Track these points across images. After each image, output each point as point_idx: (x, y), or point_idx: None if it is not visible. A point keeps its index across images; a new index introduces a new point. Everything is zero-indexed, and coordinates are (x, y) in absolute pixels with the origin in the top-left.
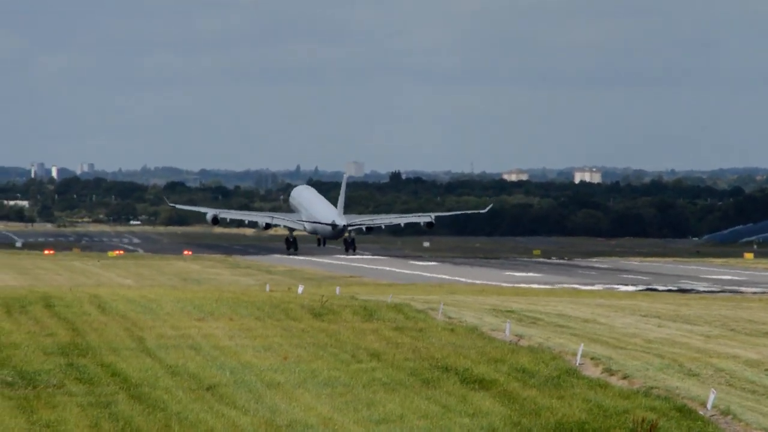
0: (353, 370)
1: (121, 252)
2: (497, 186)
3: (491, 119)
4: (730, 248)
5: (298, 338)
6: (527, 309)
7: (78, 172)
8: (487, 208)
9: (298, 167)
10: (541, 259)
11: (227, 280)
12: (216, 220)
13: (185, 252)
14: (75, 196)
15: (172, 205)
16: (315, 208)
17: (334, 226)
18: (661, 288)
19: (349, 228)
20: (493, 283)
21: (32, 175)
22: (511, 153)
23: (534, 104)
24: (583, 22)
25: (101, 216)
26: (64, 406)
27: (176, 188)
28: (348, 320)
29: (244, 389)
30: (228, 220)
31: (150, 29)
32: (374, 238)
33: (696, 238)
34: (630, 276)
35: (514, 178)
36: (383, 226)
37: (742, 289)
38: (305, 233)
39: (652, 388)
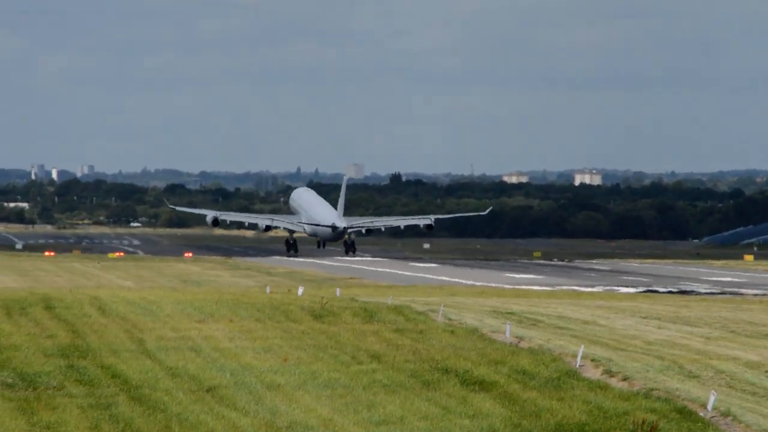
0: (353, 371)
1: (122, 254)
2: (497, 188)
3: (491, 121)
4: (730, 250)
5: (299, 340)
6: (527, 311)
7: (78, 174)
8: (487, 211)
9: (299, 169)
10: (542, 261)
11: (227, 281)
12: (216, 222)
13: (185, 254)
14: (75, 197)
15: (172, 207)
16: (315, 210)
17: (334, 228)
18: (661, 290)
19: (349, 230)
20: (494, 284)
21: (32, 177)
22: (511, 155)
23: (534, 106)
24: (583, 24)
25: (101, 218)
26: (65, 408)
27: (176, 190)
28: (348, 322)
29: (245, 391)
30: (228, 222)
31: (150, 31)
32: (374, 239)
33: (696, 240)
34: (630, 278)
35: (514, 180)
36: (383, 228)
37: (743, 291)
38: (305, 235)
39: (652, 389)
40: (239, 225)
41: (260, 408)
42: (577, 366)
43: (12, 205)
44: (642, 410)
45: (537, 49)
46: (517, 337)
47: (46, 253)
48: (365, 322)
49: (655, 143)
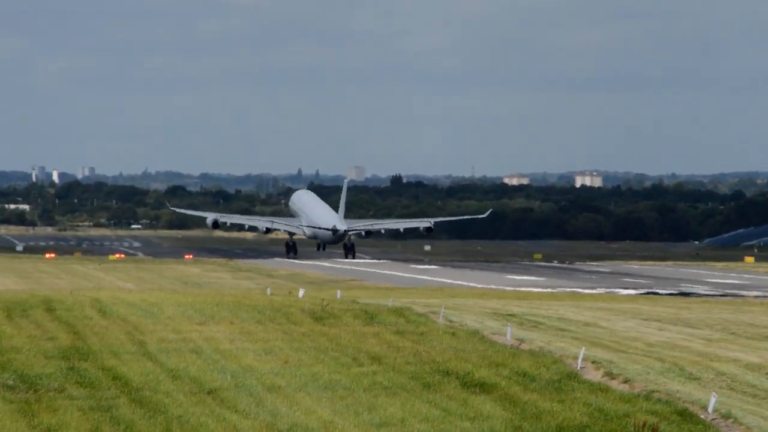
0: (354, 373)
1: (122, 256)
2: (498, 190)
3: (492, 123)
4: (730, 252)
5: (299, 342)
6: (528, 313)
7: (79, 176)
8: (486, 213)
9: (299, 171)
10: (542, 263)
11: (228, 283)
12: (216, 225)
13: (186, 256)
14: (76, 200)
15: (173, 209)
16: (315, 212)
17: (334, 231)
18: (662, 291)
19: (349, 233)
20: (494, 286)
21: (33, 179)
22: (512, 157)
23: (535, 108)
24: (584, 25)
25: (102, 220)
26: (65, 410)
27: (177, 192)
28: (349, 324)
29: (245, 393)
30: (228, 224)
31: (151, 32)
32: (375, 241)
33: (697, 242)
34: (631, 280)
35: (515, 182)
36: (383, 231)
37: (743, 292)
38: (305, 238)
39: (653, 391)
40: (239, 227)
41: (261, 410)
42: (578, 368)
43: (13, 207)
44: (643, 412)
45: (538, 50)
46: (518, 339)
47: (47, 255)
48: (366, 324)
49: (656, 145)
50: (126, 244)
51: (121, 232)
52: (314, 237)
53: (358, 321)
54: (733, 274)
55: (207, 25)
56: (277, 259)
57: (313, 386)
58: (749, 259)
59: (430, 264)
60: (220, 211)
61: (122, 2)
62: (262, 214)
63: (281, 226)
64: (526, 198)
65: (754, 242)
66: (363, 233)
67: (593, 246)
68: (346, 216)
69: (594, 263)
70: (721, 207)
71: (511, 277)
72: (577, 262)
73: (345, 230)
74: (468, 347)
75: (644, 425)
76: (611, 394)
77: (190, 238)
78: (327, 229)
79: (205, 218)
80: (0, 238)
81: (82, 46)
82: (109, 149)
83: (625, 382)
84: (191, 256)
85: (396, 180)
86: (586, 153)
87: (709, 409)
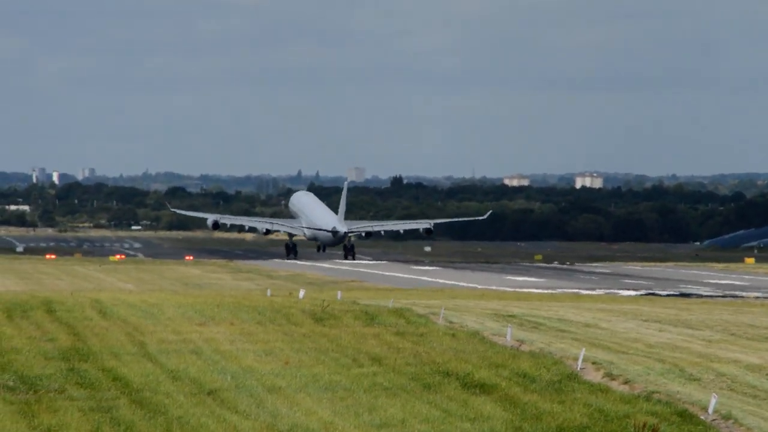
0: (354, 374)
1: (123, 257)
2: (498, 191)
3: (492, 124)
4: (731, 253)
5: (300, 343)
6: (528, 314)
7: (79, 177)
8: (486, 215)
9: (300, 172)
10: (543, 264)
11: (228, 284)
12: (216, 226)
13: (186, 257)
14: (76, 201)
15: (173, 210)
16: (315, 214)
17: (335, 232)
18: (662, 293)
19: (349, 234)
20: (495, 287)
21: (33, 180)
22: (512, 158)
23: (535, 109)
24: (584, 25)
25: (102, 221)
26: (66, 411)
27: (177, 193)
28: (349, 325)
29: (246, 394)
30: (228, 225)
31: (151, 33)
32: (375, 243)
33: (697, 243)
34: (631, 281)
35: (515, 183)
36: (383, 232)
37: (744, 293)
38: (305, 239)
39: (653, 392)
40: (240, 228)
41: (261, 411)
42: (578, 369)
43: (13, 208)
44: (643, 413)
45: (538, 50)
46: (518, 340)
47: (48, 256)
48: (366, 325)
49: (656, 146)
50: (126, 245)
51: (121, 233)
52: (314, 238)
53: (359, 322)
54: (734, 275)
55: (207, 26)
56: (277, 260)
57: (313, 387)
58: (749, 260)
59: (430, 265)
60: (220, 212)
61: (122, 2)
62: (263, 215)
63: (281, 227)
64: (526, 199)
65: (754, 243)
66: (363, 234)
67: (593, 247)
68: (346, 217)
69: (594, 264)
70: (722, 208)
71: (511, 278)
72: (578, 263)
73: (345, 232)
74: (468, 348)
75: (644, 426)
76: (611, 395)
77: (191, 239)
78: (327, 231)
79: (206, 219)
80: (0, 239)
81: (82, 47)
82: (109, 150)
83: (626, 383)
84: (191, 257)
85: (396, 181)
86: (586, 154)
87: (710, 410)
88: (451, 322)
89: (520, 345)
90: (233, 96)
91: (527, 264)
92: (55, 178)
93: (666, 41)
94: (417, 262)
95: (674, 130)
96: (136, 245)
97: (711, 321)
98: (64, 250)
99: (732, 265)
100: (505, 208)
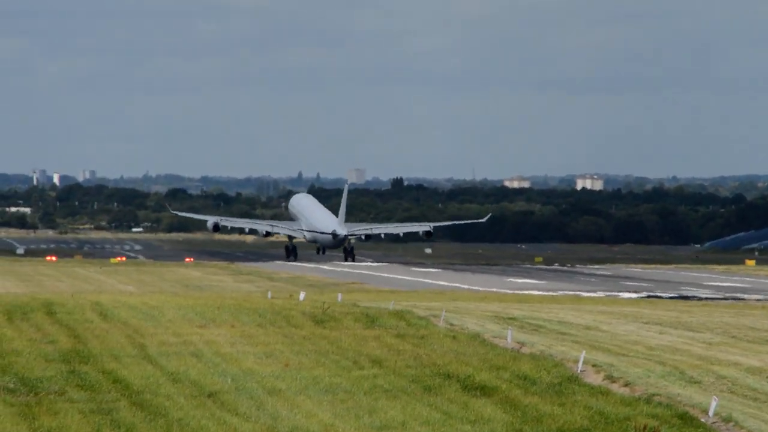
0: (355, 376)
1: (123, 258)
2: (499, 193)
3: (493, 125)
4: (731, 255)
5: (300, 345)
6: (529, 316)
7: (80, 178)
8: (486, 218)
9: (300, 174)
10: (543, 266)
11: (229, 286)
12: (216, 228)
13: (187, 259)
14: (77, 202)
15: (174, 212)
16: (315, 216)
17: (335, 235)
18: (662, 295)
19: (349, 237)
20: (495, 289)
21: (34, 182)
22: (513, 159)
23: (535, 111)
24: (585, 27)
25: (103, 223)
26: (66, 413)
27: (178, 195)
28: (350, 327)
29: (246, 396)
30: (229, 227)
31: (151, 34)
32: (376, 244)
33: (698, 245)
34: (632, 283)
35: (515, 185)
36: (382, 235)
37: (744, 296)
38: (305, 241)
39: (653, 395)
40: (240, 230)
41: (261, 413)
42: (579, 371)
43: (13, 209)
44: (643, 416)
45: (538, 52)
46: (518, 343)
47: (48, 258)
48: (367, 327)
49: (657, 148)
50: (127, 247)
51: (122, 235)
52: (314, 241)
53: (359, 324)
54: (734, 278)
55: (207, 27)
56: (277, 262)
57: (313, 389)
58: (750, 263)
59: (431, 267)
60: (220, 214)
61: (123, 4)
62: (263, 217)
63: (281, 229)
64: (526, 201)
65: (754, 245)
66: (363, 237)
67: (594, 249)
68: (347, 219)
69: (595, 266)
70: (722, 210)
71: (511, 280)
72: (578, 266)
73: (345, 234)
74: (469, 350)
75: (645, 428)
76: (612, 398)
77: (191, 241)
78: (327, 234)
79: (206, 221)
80: (0, 241)
81: (83, 48)
82: (110, 152)
83: (626, 385)
84: (192, 259)
85: (397, 183)
86: (586, 156)
87: (710, 413)
88: (451, 325)
89: (520, 347)
90: (234, 97)
91: (528, 266)
92: (56, 180)
93: (666, 43)
94: (417, 264)
95: (675, 131)
96: (137, 247)
97: (712, 323)
98: (64, 251)
99: (733, 268)
100: (505, 210)
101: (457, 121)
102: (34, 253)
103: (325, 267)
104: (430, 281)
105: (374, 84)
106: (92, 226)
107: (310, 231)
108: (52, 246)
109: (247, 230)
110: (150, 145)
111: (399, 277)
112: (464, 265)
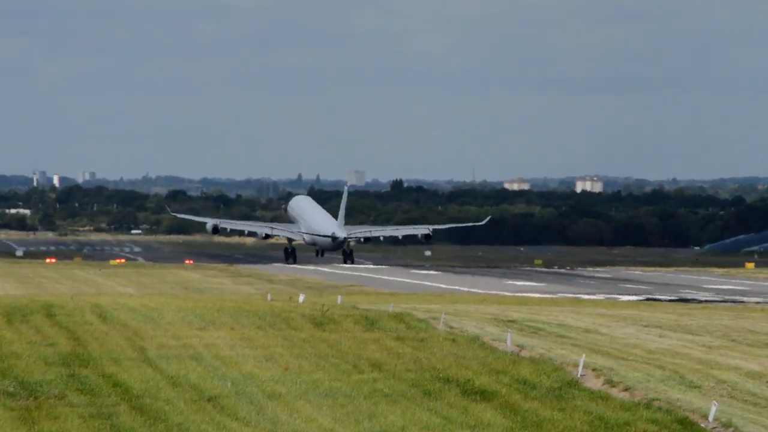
0: (354, 380)
1: (123, 261)
2: (499, 195)
3: (493, 127)
4: (731, 258)
5: (300, 348)
6: (528, 319)
7: (79, 180)
8: (485, 221)
9: (300, 176)
10: (543, 269)
11: (228, 289)
12: (216, 230)
13: (186, 261)
14: (76, 204)
15: (174, 214)
16: (314, 219)
17: (334, 238)
18: (662, 297)
19: (348, 239)
20: (495, 292)
21: (34, 184)
22: (513, 161)
23: (535, 112)
24: (584, 27)
25: (103, 224)
26: (66, 417)
27: (177, 197)
28: (349, 330)
29: (246, 400)
30: (228, 229)
31: (151, 35)
32: (375, 247)
33: (697, 248)
34: (631, 285)
35: (515, 187)
36: (381, 238)
37: (744, 298)
38: (304, 243)
39: (653, 399)
40: (240, 232)
41: (261, 418)
42: (579, 376)
43: (13, 211)
44: (643, 421)
45: (538, 53)
46: (518, 346)
47: (48, 260)
48: (366, 330)
49: (657, 150)
50: (126, 249)
51: (121, 237)
52: (313, 243)
53: (359, 327)
54: (734, 280)
55: (207, 27)
56: (277, 264)
57: (313, 393)
58: (750, 265)
59: (430, 269)
60: (220, 216)
61: (122, 4)
62: (263, 218)
63: (280, 232)
64: (526, 203)
65: (754, 248)
66: (362, 239)
67: (594, 251)
68: (346, 221)
69: (594, 269)
70: (722, 212)
71: (511, 282)
72: (578, 268)
73: (344, 237)
74: (468, 354)
75: None
76: (612, 402)
77: (191, 243)
78: (326, 236)
79: (205, 223)
80: (0, 243)
81: (83, 49)
82: (109, 153)
83: (626, 390)
84: (192, 261)
85: (396, 185)
86: (586, 158)
87: (710, 418)
88: (451, 327)
89: (520, 350)
90: (233, 99)
91: (527, 268)
92: (56, 182)
93: (666, 43)
94: (417, 267)
95: (675, 133)
96: (137, 249)
97: (711, 326)
98: (64, 253)
99: (732, 270)
100: (505, 212)
101: (457, 122)
102: (33, 255)
103: (325, 269)
104: (429, 284)
105: (374, 85)
106: (92, 228)
107: (309, 233)
108: (52, 248)
109: (246, 232)
110: (150, 147)
111: (398, 279)
112: (464, 268)
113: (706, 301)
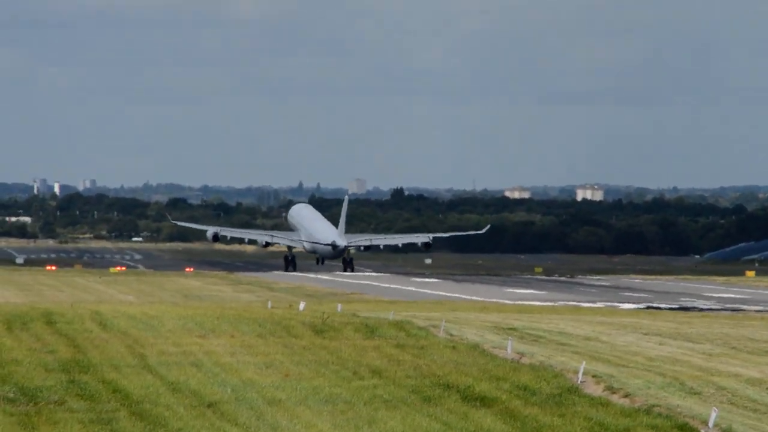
0: (354, 387)
1: (123, 268)
2: (499, 203)
3: (493, 136)
4: (731, 266)
5: (300, 355)
6: (529, 326)
7: (80, 188)
8: (485, 229)
9: (301, 184)
10: (543, 277)
11: (229, 296)
12: (216, 238)
13: (187, 269)
14: (77, 212)
15: (174, 222)
16: (314, 227)
17: (334, 246)
18: (662, 306)
19: (348, 248)
20: (495, 300)
21: (34, 192)
22: (513, 170)
23: (535, 120)
24: (586, 38)
25: (103, 232)
26: (66, 423)
27: (178, 205)
28: (349, 337)
29: (246, 406)
30: (228, 237)
31: (151, 43)
32: (375, 255)
33: (698, 256)
34: (632, 294)
35: (516, 195)
36: (382, 246)
37: (744, 307)
38: (304, 251)
39: (653, 406)
40: (240, 240)
41: (261, 424)
42: (579, 382)
43: (14, 219)
44: (643, 427)
45: (539, 63)
46: (518, 353)
47: (48, 268)
48: (366, 337)
49: (657, 158)
50: (127, 257)
51: (122, 245)
52: (313, 251)
53: (359, 334)
54: (734, 289)
55: (208, 36)
56: (277, 272)
57: (313, 400)
58: (750, 274)
59: (430, 277)
60: (221, 224)
61: (123, 13)
62: (264, 226)
63: (281, 240)
64: (527, 211)
65: (755, 256)
66: (362, 248)
67: (594, 260)
68: (347, 230)
69: (595, 277)
70: (722, 221)
71: (511, 290)
72: (578, 276)
73: (344, 245)
74: (469, 361)
75: None
76: (612, 409)
77: (191, 250)
78: (326, 244)
79: (206, 231)
80: (0, 251)
81: (84, 57)
82: (110, 161)
83: (626, 396)
84: (192, 269)
85: (397, 193)
86: (587, 166)
87: (710, 424)
88: (451, 335)
89: (520, 358)
90: (234, 107)
91: (528, 276)
92: (56, 189)
93: (667, 54)
94: (417, 275)
95: (675, 142)
96: (137, 257)
97: (711, 334)
98: (64, 261)
99: (733, 279)
100: (505, 220)
101: (458, 130)
102: (33, 262)
103: (325, 277)
104: (429, 291)
105: (375, 93)
106: (92, 236)
107: (309, 241)
108: (52, 255)
109: (246, 240)
110: (150, 155)
111: (399, 287)
112: (464, 276)
113: (706, 309)
